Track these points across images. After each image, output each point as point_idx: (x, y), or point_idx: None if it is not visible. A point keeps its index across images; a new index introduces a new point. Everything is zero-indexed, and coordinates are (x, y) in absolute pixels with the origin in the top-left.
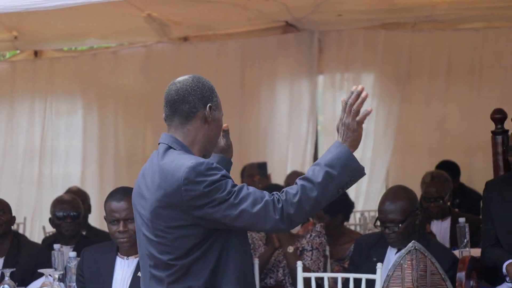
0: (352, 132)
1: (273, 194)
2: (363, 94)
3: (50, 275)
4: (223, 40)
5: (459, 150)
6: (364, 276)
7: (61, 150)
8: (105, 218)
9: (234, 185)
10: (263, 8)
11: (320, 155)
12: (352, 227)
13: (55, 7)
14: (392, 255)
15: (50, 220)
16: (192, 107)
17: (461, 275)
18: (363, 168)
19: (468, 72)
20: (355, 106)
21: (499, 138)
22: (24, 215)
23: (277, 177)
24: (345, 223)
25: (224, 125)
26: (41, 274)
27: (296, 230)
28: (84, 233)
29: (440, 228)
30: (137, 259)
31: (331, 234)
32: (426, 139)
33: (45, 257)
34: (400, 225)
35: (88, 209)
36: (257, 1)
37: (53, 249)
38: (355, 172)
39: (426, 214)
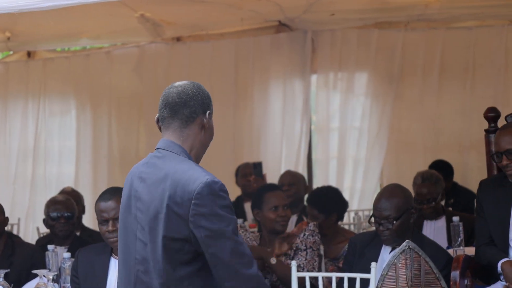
0: None
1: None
2: None
3: (44, 276)
4: (216, 40)
5: (452, 149)
6: (358, 276)
7: (55, 151)
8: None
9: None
10: (256, 8)
11: (313, 154)
12: (346, 227)
13: (48, 7)
14: (386, 254)
15: (44, 221)
16: (192, 112)
17: (455, 274)
18: None
19: (461, 71)
20: None
21: (493, 137)
22: (18, 216)
23: (271, 176)
24: (339, 223)
25: None
26: (35, 275)
27: (289, 229)
28: (78, 233)
29: (434, 228)
30: None
31: (325, 234)
32: (420, 138)
33: (39, 258)
34: (394, 222)
35: (82, 210)
36: (250, 1)
37: (47, 250)
38: None
39: (419, 215)
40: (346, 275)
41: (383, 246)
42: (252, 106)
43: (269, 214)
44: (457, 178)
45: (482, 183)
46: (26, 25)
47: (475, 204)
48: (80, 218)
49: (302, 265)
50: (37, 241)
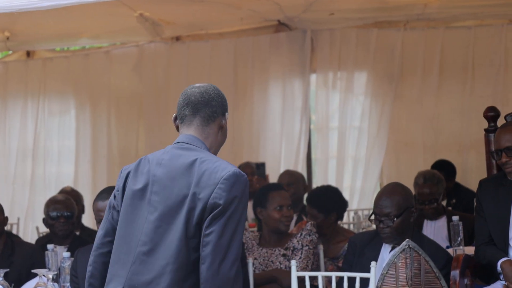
0: None
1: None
2: None
3: (44, 275)
4: (215, 40)
5: (452, 148)
6: (358, 275)
7: (54, 150)
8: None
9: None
10: (256, 7)
11: (313, 154)
12: (346, 226)
13: (48, 7)
14: (386, 254)
15: (44, 221)
16: (214, 111)
17: (455, 273)
18: None
19: (461, 70)
20: None
21: (492, 136)
22: (17, 215)
23: (271, 176)
24: (339, 222)
25: None
26: (35, 275)
27: (290, 229)
28: (77, 233)
29: (434, 228)
30: None
31: (324, 233)
32: (419, 138)
33: (39, 257)
34: (395, 219)
35: (81, 210)
36: (250, 1)
37: (46, 249)
38: None
39: (419, 214)
40: (346, 275)
41: (383, 246)
42: (251, 106)
43: (274, 213)
44: (457, 177)
45: (482, 183)
46: (25, 24)
47: (475, 204)
48: (79, 218)
49: (297, 264)
50: (37, 241)
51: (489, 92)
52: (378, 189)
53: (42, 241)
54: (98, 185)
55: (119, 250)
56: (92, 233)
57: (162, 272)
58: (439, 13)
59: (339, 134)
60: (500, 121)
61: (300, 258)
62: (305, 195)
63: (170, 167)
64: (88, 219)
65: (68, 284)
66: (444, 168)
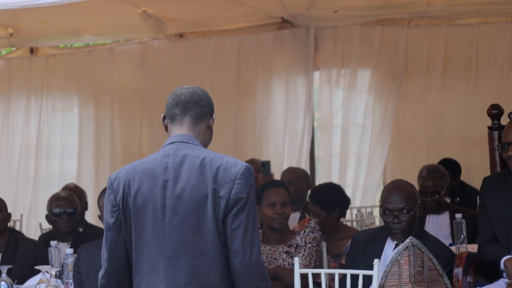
0: None
1: None
2: None
3: (47, 271)
4: (219, 37)
5: (456, 146)
6: (361, 272)
7: (57, 147)
8: (99, 217)
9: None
10: (259, 5)
11: (316, 151)
12: (349, 223)
13: (51, 4)
14: (389, 251)
15: (47, 217)
16: (202, 111)
17: (458, 270)
18: None
19: (464, 68)
20: None
21: (496, 134)
22: (21, 212)
23: (274, 174)
24: (342, 219)
25: None
26: (38, 271)
27: (292, 226)
28: (81, 230)
29: (436, 223)
30: None
31: (327, 231)
32: (423, 135)
33: (42, 254)
34: (411, 212)
35: (84, 206)
36: None
37: (50, 246)
38: None
39: (422, 209)
40: (349, 272)
41: (386, 243)
42: (254, 103)
43: (267, 210)
44: (461, 175)
45: (485, 180)
46: (28, 21)
47: (478, 201)
48: (82, 214)
49: (300, 261)
50: (40, 237)
51: (492, 89)
52: (381, 187)
53: (45, 238)
54: (101, 182)
55: (148, 261)
56: (95, 229)
57: (201, 272)
58: (443, 10)
59: (342, 131)
60: (504, 119)
61: (303, 255)
62: (308, 192)
63: (179, 169)
64: (91, 216)
65: (71, 280)
66: (450, 166)
